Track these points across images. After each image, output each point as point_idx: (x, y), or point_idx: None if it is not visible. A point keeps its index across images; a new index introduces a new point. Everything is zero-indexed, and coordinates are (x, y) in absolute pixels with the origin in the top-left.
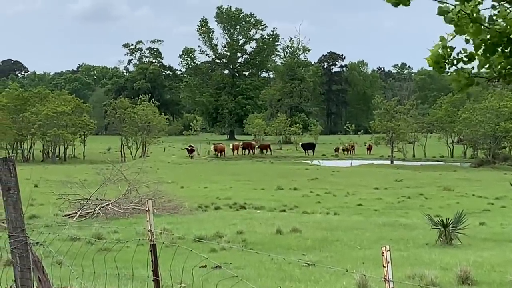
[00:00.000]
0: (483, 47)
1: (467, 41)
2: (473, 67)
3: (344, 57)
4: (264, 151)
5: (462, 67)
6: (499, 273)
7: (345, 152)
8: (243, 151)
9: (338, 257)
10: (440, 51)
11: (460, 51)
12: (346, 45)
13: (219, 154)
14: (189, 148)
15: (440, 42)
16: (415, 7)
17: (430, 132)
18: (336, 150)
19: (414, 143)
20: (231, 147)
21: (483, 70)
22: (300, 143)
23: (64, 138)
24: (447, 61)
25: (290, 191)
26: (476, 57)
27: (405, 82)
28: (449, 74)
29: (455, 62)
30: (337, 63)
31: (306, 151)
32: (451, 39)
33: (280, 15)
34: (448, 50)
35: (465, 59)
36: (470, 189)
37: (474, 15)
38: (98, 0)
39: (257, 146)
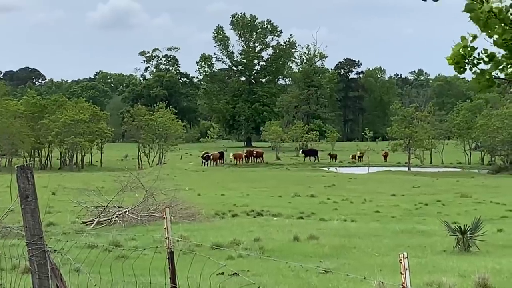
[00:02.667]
0: (505, 48)
1: (495, 43)
2: (493, 69)
3: (361, 63)
4: (255, 159)
5: (482, 68)
6: None
7: (354, 160)
8: (247, 159)
9: (356, 264)
10: (461, 50)
11: (481, 51)
12: (363, 52)
13: (217, 162)
14: (205, 155)
15: (461, 42)
16: (432, 13)
17: (447, 139)
18: (353, 157)
19: (431, 150)
20: (231, 156)
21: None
22: (301, 150)
23: (82, 145)
24: (467, 61)
25: (307, 198)
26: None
27: (422, 88)
28: (471, 73)
29: (475, 62)
30: (353, 69)
31: (308, 157)
32: (473, 39)
33: (297, 22)
34: (469, 50)
35: (486, 59)
36: (488, 195)
37: (501, 15)
38: (118, 8)
39: (244, 154)
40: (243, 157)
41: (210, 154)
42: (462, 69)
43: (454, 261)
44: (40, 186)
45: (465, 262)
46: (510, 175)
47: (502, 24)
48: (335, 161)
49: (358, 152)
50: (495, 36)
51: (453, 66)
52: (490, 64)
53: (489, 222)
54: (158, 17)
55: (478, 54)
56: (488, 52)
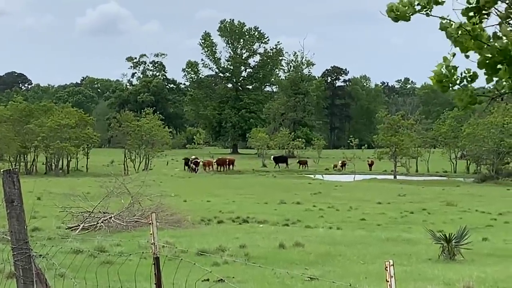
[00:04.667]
0: (486, 66)
1: (467, 57)
2: (475, 88)
3: (348, 71)
4: (228, 166)
5: (465, 85)
6: None
7: (335, 169)
8: (218, 167)
9: (341, 272)
10: (443, 70)
11: (464, 71)
12: (350, 60)
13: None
14: (194, 161)
15: (443, 62)
16: (418, 22)
17: (433, 147)
18: (335, 166)
19: (417, 158)
20: (201, 164)
21: (486, 87)
22: (272, 156)
23: (68, 150)
24: (450, 80)
25: (293, 205)
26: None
27: (408, 97)
28: (453, 91)
29: (458, 81)
30: (340, 77)
31: (277, 164)
32: (453, 58)
33: (286, 30)
34: (452, 70)
35: (468, 79)
36: (473, 204)
37: (475, 32)
38: (107, 14)
39: (214, 161)
40: (213, 164)
41: (199, 160)
42: (445, 88)
43: (439, 269)
44: (25, 191)
45: (450, 271)
46: (496, 184)
47: (478, 41)
48: (306, 167)
49: (340, 162)
50: (471, 52)
51: (436, 85)
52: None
53: (474, 230)
54: (147, 23)
55: (461, 73)
56: (471, 71)
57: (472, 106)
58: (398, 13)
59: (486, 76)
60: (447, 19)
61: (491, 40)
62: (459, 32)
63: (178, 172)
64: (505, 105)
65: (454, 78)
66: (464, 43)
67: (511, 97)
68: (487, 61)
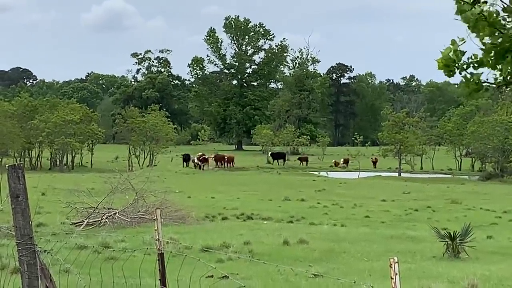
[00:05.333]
0: (493, 52)
1: (483, 44)
2: (482, 73)
3: (353, 68)
4: (227, 164)
5: (471, 72)
6: (507, 287)
7: (336, 166)
8: (220, 164)
9: (345, 269)
10: (450, 54)
11: (471, 56)
12: (355, 57)
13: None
14: (201, 157)
15: (451, 46)
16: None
17: (438, 145)
18: (336, 164)
19: (422, 156)
20: (196, 160)
21: (492, 76)
22: (270, 153)
23: (72, 146)
24: (457, 65)
25: (298, 202)
26: (486, 61)
27: (414, 94)
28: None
29: (465, 66)
30: (345, 74)
31: (275, 160)
32: (462, 43)
33: (291, 27)
34: (459, 54)
35: (475, 65)
36: (478, 202)
37: (491, 19)
38: (112, 10)
39: (212, 158)
40: (209, 160)
41: (207, 156)
42: (451, 72)
43: (443, 267)
44: (30, 186)
45: (454, 269)
46: (500, 182)
47: (491, 27)
48: (306, 164)
49: (342, 159)
50: (486, 38)
51: (442, 69)
52: (478, 70)
53: (479, 228)
54: (152, 19)
55: (468, 58)
56: (478, 57)
57: (477, 94)
58: None
59: (490, 64)
60: (465, 2)
61: (507, 27)
62: (477, 18)
63: (182, 168)
64: (510, 101)
65: (461, 63)
66: (481, 29)
67: None
68: (497, 48)
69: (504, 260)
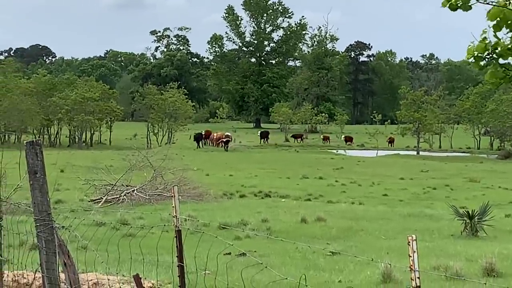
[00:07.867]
0: None
1: None
2: (509, 63)
3: (372, 46)
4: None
5: (499, 63)
6: None
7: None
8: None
9: (363, 247)
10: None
11: (497, 48)
12: (374, 35)
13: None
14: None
15: (481, 38)
16: None
17: (457, 123)
18: (349, 139)
19: (440, 134)
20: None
21: None
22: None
23: (91, 124)
24: (485, 56)
25: (315, 180)
26: None
27: (432, 72)
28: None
29: (495, 55)
30: (364, 52)
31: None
32: (495, 34)
33: (310, 4)
34: (489, 47)
35: (503, 54)
36: (496, 181)
37: None
38: None
39: (214, 137)
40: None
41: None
42: (481, 66)
43: (461, 245)
44: (48, 163)
45: (472, 247)
46: None
47: None
48: (328, 142)
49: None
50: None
51: (474, 65)
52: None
53: (497, 207)
54: None
55: (495, 49)
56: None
57: (505, 82)
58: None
59: None
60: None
61: None
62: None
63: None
64: None
65: (490, 56)
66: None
67: None
68: None
69: None
